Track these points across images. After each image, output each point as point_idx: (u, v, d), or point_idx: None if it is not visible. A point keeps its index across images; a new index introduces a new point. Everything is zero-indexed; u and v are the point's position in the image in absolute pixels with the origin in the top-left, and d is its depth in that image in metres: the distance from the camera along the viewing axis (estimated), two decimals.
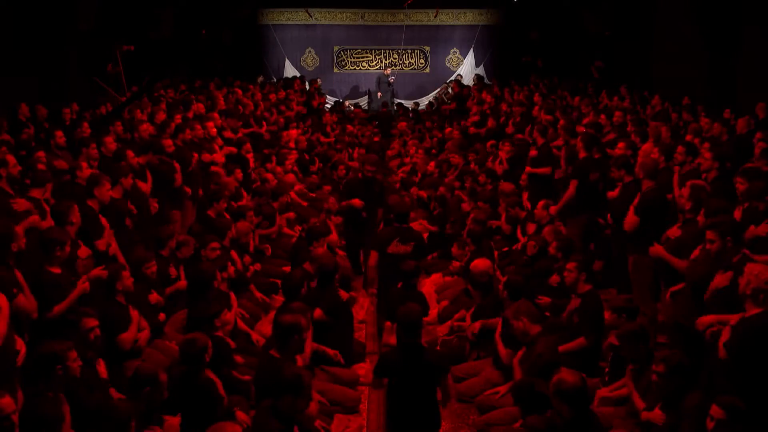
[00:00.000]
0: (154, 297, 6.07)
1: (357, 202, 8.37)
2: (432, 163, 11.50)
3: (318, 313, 6.00)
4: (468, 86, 17.96)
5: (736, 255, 5.13)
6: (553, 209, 7.77)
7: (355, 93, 20.34)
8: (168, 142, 8.40)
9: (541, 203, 7.69)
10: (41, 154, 7.20)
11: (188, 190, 8.45)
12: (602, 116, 11.10)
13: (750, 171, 6.29)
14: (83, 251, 5.82)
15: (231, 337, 5.89)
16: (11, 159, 6.40)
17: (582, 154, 8.16)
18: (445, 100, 18.26)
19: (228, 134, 10.54)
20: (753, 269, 4.48)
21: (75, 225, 5.81)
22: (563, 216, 7.96)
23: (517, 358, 5.47)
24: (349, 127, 15.11)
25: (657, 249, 6.02)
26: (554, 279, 6.62)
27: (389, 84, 19.23)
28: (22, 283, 4.90)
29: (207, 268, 6.20)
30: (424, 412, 4.74)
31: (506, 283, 6.14)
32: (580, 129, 9.76)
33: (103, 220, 6.37)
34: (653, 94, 13.02)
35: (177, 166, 8.25)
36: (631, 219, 6.63)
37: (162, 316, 6.15)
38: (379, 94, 19.18)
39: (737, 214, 5.84)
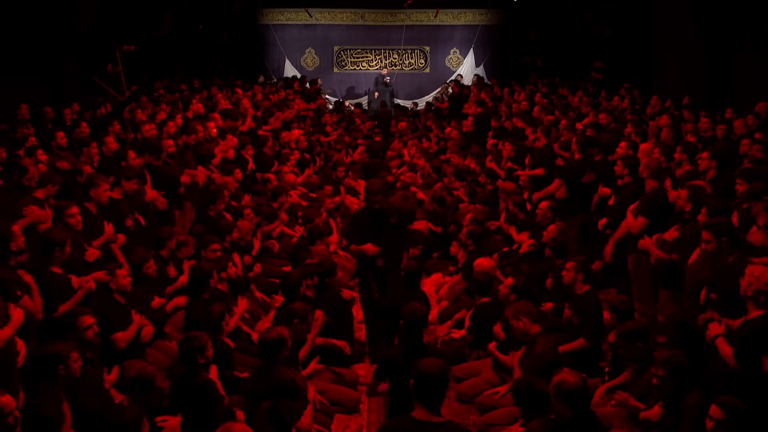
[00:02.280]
0: (156, 301, 6.08)
1: (369, 248, 6.30)
2: (431, 163, 11.50)
3: (318, 313, 6.01)
4: (468, 86, 17.95)
5: (732, 255, 5.14)
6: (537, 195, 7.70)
7: (355, 93, 20.34)
8: (169, 143, 8.40)
9: (544, 204, 7.67)
10: (40, 152, 7.20)
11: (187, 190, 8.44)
12: (601, 116, 11.11)
13: (749, 171, 6.29)
14: (91, 254, 5.80)
15: (231, 338, 5.90)
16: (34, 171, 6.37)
17: (577, 156, 8.17)
18: (445, 100, 18.25)
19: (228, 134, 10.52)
20: (754, 271, 4.49)
21: (74, 225, 5.80)
22: (561, 218, 7.96)
23: (517, 358, 5.47)
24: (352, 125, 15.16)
25: (644, 242, 6.11)
26: (548, 282, 6.59)
27: (386, 84, 19.25)
28: (29, 285, 4.90)
29: (203, 268, 6.20)
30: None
31: (512, 286, 6.12)
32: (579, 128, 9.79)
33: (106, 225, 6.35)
34: (653, 95, 13.02)
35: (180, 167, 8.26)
36: (636, 222, 6.50)
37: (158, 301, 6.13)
38: (376, 94, 19.21)
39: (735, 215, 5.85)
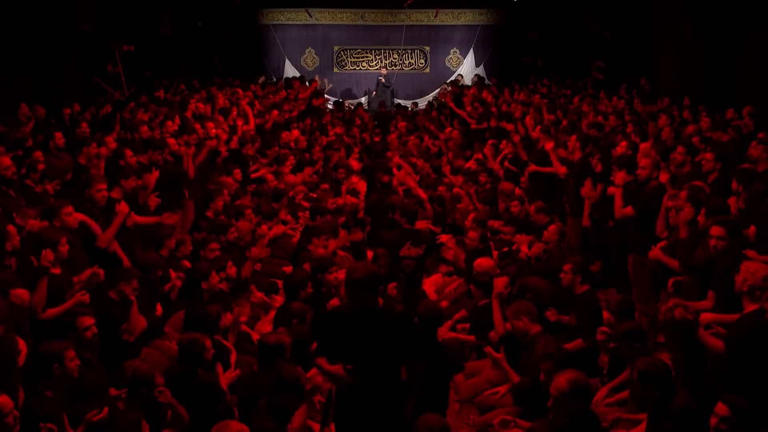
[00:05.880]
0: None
1: (339, 372, 4.12)
2: (431, 163, 11.48)
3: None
4: (466, 85, 17.95)
5: (737, 254, 5.13)
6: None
7: (355, 93, 20.34)
8: (171, 141, 8.41)
9: (533, 207, 7.66)
10: (38, 154, 7.19)
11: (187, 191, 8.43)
12: (600, 117, 11.10)
13: (746, 172, 6.29)
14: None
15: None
16: (6, 161, 6.36)
17: (577, 155, 8.16)
18: (443, 101, 18.24)
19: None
20: (749, 267, 4.49)
21: (70, 224, 5.77)
22: (562, 217, 7.96)
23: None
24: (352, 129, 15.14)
25: (655, 252, 5.98)
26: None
27: (386, 85, 19.26)
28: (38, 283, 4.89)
29: (200, 267, 6.18)
30: (438, 410, 4.66)
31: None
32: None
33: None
34: (653, 95, 13.01)
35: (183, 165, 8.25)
36: (624, 210, 6.64)
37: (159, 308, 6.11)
38: (374, 93, 19.22)
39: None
